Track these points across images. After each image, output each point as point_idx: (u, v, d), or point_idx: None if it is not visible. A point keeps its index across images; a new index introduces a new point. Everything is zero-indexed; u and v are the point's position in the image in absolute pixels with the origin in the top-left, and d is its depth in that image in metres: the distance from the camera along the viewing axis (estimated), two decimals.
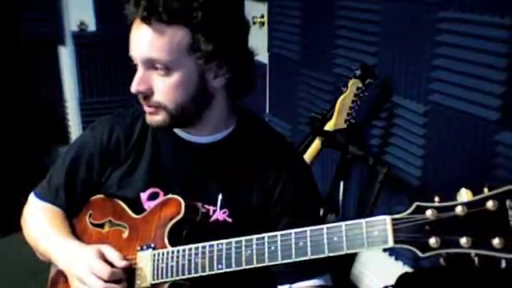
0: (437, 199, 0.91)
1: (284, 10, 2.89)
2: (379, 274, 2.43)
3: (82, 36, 3.37)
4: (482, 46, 1.79)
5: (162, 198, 1.29)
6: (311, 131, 2.24)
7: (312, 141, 2.19)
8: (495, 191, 0.86)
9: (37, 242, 1.37)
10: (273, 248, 1.06)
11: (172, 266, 1.17)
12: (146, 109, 1.22)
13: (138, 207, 1.30)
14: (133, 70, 1.20)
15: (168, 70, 1.15)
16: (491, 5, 1.75)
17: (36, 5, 3.29)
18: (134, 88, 1.18)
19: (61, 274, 1.32)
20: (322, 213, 2.15)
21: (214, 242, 1.13)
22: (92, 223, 1.36)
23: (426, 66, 2.01)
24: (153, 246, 1.21)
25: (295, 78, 2.83)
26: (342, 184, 2.19)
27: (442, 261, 0.90)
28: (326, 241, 1.00)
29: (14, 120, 3.29)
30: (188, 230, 1.22)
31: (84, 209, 1.39)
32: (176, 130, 1.31)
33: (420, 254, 0.90)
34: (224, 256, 1.11)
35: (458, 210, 0.88)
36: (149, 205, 1.30)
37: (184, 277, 1.16)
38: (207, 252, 1.13)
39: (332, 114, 2.15)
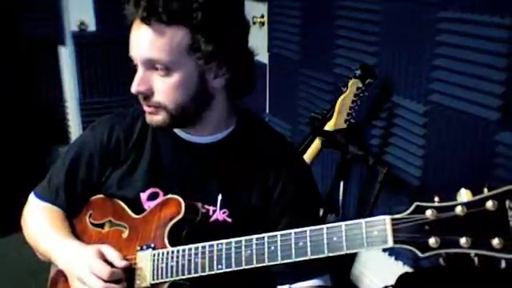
0: (436, 199, 0.91)
1: (284, 10, 2.89)
2: (379, 274, 2.43)
3: (82, 36, 3.37)
4: (482, 46, 1.79)
5: (161, 198, 1.29)
6: (311, 131, 2.24)
7: (312, 141, 2.19)
8: (495, 191, 0.86)
9: (37, 241, 1.37)
10: (272, 248, 1.06)
11: (172, 266, 1.17)
12: (146, 109, 1.22)
13: (137, 207, 1.31)
14: (133, 70, 1.20)
15: (168, 70, 1.15)
16: (491, 5, 1.75)
17: (36, 5, 3.29)
18: (134, 88, 1.18)
19: (61, 274, 1.32)
20: (321, 213, 2.15)
21: (214, 242, 1.13)
22: (92, 223, 1.36)
23: (426, 65, 2.01)
24: (153, 245, 1.21)
25: (295, 77, 2.83)
26: (342, 184, 2.19)
27: (441, 261, 0.90)
28: (325, 241, 1.00)
29: (13, 120, 3.29)
30: (188, 230, 1.22)
31: (84, 209, 1.39)
32: (176, 130, 1.31)
33: (420, 254, 0.90)
34: (224, 256, 1.11)
35: (458, 210, 0.88)
36: (149, 205, 1.30)
37: (184, 277, 1.16)
38: (207, 252, 1.13)
39: (332, 114, 2.15)
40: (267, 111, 3.17)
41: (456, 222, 0.88)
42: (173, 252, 1.18)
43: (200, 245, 1.14)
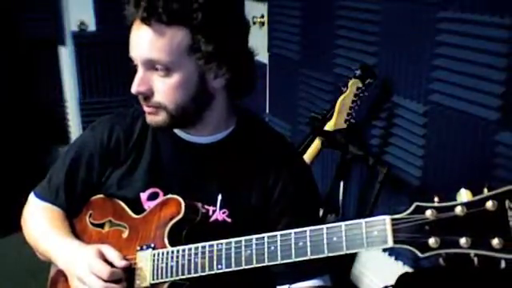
0: (436, 199, 0.91)
1: (284, 10, 2.89)
2: (379, 274, 2.43)
3: (81, 36, 3.37)
4: (482, 46, 1.79)
5: (161, 197, 1.29)
6: (311, 131, 2.24)
7: (312, 141, 2.19)
8: (495, 191, 0.86)
9: (37, 241, 1.37)
10: (272, 248, 1.06)
11: (172, 266, 1.17)
12: (146, 109, 1.22)
13: (137, 207, 1.31)
14: (133, 70, 1.20)
15: (168, 70, 1.15)
16: (491, 5, 1.75)
17: (36, 5, 3.28)
18: (134, 89, 1.18)
19: (61, 274, 1.32)
20: (321, 213, 2.15)
21: (214, 242, 1.13)
22: (92, 223, 1.36)
23: (426, 65, 2.01)
24: (153, 245, 1.21)
25: (295, 77, 2.83)
26: (342, 184, 2.19)
27: (441, 261, 0.90)
28: (325, 241, 1.00)
29: (13, 120, 3.29)
30: (188, 230, 1.22)
31: (84, 209, 1.39)
32: (176, 130, 1.31)
33: (419, 254, 0.91)
34: (224, 256, 1.11)
35: (458, 210, 0.88)
36: (149, 205, 1.30)
37: (184, 277, 1.16)
38: (207, 252, 1.13)
39: (332, 114, 2.15)
40: (267, 111, 3.17)
41: (456, 222, 0.88)
42: (173, 252, 1.18)
43: (200, 245, 1.14)
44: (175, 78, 1.16)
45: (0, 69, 3.22)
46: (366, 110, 2.29)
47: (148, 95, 1.19)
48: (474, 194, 0.88)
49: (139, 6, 1.12)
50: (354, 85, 2.11)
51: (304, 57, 2.78)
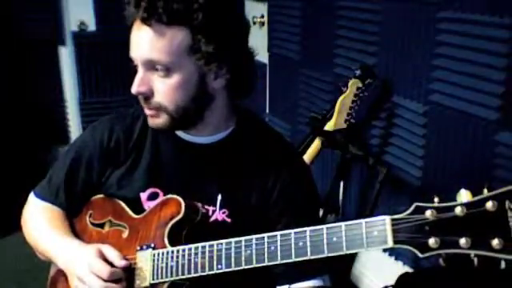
0: (436, 200, 0.91)
1: (284, 10, 2.89)
2: (379, 274, 2.43)
3: (81, 36, 3.38)
4: (482, 46, 1.79)
5: (161, 197, 1.29)
6: (311, 131, 2.24)
7: (312, 141, 2.19)
8: (495, 192, 0.86)
9: (37, 241, 1.37)
10: (272, 248, 1.06)
11: (172, 266, 1.17)
12: (147, 111, 1.22)
13: (137, 207, 1.31)
14: (133, 71, 1.20)
15: (168, 71, 1.15)
16: (491, 5, 1.75)
17: (36, 5, 3.29)
18: (134, 89, 1.18)
19: (61, 274, 1.32)
20: (321, 213, 2.15)
21: (214, 242, 1.13)
22: (92, 223, 1.37)
23: (426, 65, 2.01)
24: (152, 245, 1.22)
25: (295, 77, 2.83)
26: (342, 184, 2.20)
27: (441, 261, 0.90)
28: (325, 241, 1.00)
29: (14, 120, 3.29)
30: (188, 230, 1.22)
31: (84, 209, 1.39)
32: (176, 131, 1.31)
33: (419, 255, 0.91)
34: (223, 256, 1.11)
35: (458, 210, 0.88)
36: (149, 205, 1.30)
37: (183, 277, 1.16)
38: (207, 252, 1.13)
39: (332, 114, 2.15)
40: (267, 111, 3.17)
41: (456, 223, 0.88)
42: (173, 252, 1.18)
43: (200, 245, 1.15)
44: (175, 79, 1.16)
45: (0, 69, 3.22)
46: (366, 110, 2.29)
47: (148, 95, 1.19)
48: (473, 195, 0.88)
49: (139, 6, 1.12)
50: (353, 85, 2.11)
51: (304, 57, 2.78)
